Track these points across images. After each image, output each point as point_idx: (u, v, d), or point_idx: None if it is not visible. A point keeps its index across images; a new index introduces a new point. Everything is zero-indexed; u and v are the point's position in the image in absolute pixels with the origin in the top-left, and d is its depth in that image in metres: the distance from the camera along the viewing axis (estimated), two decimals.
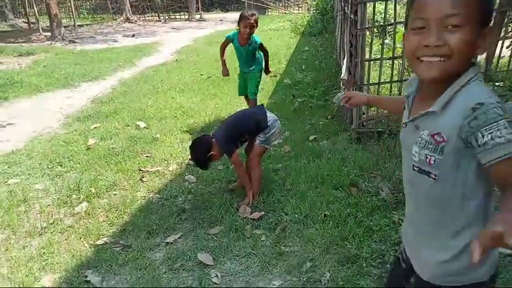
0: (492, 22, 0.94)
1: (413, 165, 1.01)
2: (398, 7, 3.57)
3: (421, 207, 1.05)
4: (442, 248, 1.02)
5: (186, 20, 17.33)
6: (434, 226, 1.03)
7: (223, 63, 4.23)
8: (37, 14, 13.74)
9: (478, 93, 0.89)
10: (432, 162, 0.95)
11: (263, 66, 4.13)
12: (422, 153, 0.96)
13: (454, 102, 0.91)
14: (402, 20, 3.48)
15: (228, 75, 4.33)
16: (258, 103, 4.18)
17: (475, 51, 0.90)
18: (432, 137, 0.94)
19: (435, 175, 0.96)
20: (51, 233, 2.61)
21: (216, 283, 2.12)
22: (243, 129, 2.78)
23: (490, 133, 0.84)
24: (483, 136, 0.84)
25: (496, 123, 0.83)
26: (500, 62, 3.52)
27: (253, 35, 3.87)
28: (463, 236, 0.98)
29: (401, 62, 3.56)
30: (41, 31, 12.64)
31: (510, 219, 0.74)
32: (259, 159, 2.88)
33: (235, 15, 17.95)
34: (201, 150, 2.68)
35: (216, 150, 2.68)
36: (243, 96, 4.43)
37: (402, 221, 2.34)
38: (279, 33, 11.17)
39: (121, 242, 2.48)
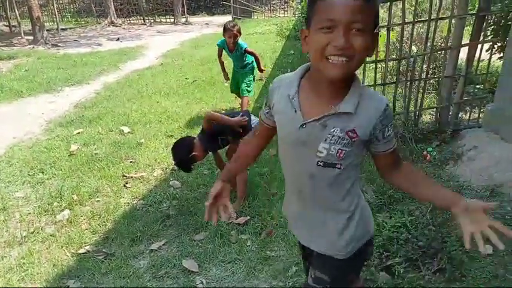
0: (377, 28, 1.02)
1: (318, 161, 1.10)
2: (381, 11, 3.62)
3: (319, 193, 1.17)
4: (340, 220, 1.20)
5: (171, 23, 17.23)
6: (331, 205, 1.19)
7: (223, 70, 4.63)
8: (19, 17, 13.46)
9: (378, 95, 1.10)
10: (342, 155, 1.08)
11: (255, 66, 4.44)
12: (334, 148, 1.07)
13: (362, 103, 1.05)
14: (385, 23, 3.53)
15: (229, 79, 4.64)
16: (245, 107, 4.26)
17: (369, 53, 1.01)
18: (346, 133, 1.06)
19: (341, 165, 1.10)
20: (32, 242, 2.55)
21: None
22: (225, 128, 2.74)
23: (391, 128, 1.10)
24: (388, 130, 1.09)
25: (392, 121, 1.11)
26: (480, 65, 3.59)
27: (239, 41, 4.22)
28: (354, 209, 1.20)
29: (384, 65, 3.60)
30: (22, 35, 12.40)
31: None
32: None
33: (221, 19, 17.98)
34: (183, 151, 2.65)
35: (198, 151, 2.65)
36: (236, 95, 4.76)
37: (386, 223, 2.36)
38: (264, 37, 11.19)
39: (104, 250, 2.44)
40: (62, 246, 2.50)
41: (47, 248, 2.49)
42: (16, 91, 6.23)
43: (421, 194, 1.17)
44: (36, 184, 3.28)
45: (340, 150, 1.07)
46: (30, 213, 2.87)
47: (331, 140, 1.06)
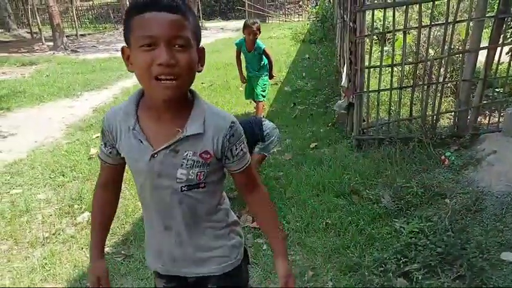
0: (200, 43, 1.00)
1: (181, 187, 1.04)
2: (397, 14, 3.60)
3: (192, 218, 1.10)
4: (210, 247, 1.14)
5: None
6: (206, 225, 1.13)
7: (240, 71, 4.53)
8: (40, 24, 13.87)
9: (222, 113, 1.06)
10: (202, 176, 1.04)
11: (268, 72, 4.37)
12: (193, 172, 1.03)
13: (208, 121, 1.01)
14: (401, 27, 3.51)
15: (245, 81, 4.53)
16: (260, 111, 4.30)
17: (197, 69, 0.98)
18: (200, 156, 1.02)
19: (204, 184, 1.06)
20: (53, 243, 2.62)
21: None
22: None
23: (240, 146, 1.06)
24: (236, 149, 1.05)
25: (241, 138, 1.06)
26: (499, 68, 3.53)
27: (258, 41, 4.18)
28: (225, 225, 1.17)
29: (400, 69, 3.58)
30: (43, 41, 12.77)
31: (287, 269, 1.16)
32: (258, 166, 2.89)
33: (236, 24, 18.10)
34: None
35: None
36: (251, 100, 4.67)
37: (404, 229, 2.34)
38: (279, 41, 11.23)
39: (123, 252, 2.49)
40: (82, 248, 2.56)
41: (68, 249, 2.55)
42: (37, 96, 6.41)
43: (261, 227, 1.25)
44: (57, 187, 3.37)
45: (199, 173, 1.03)
46: (51, 215, 2.95)
47: (186, 164, 1.01)
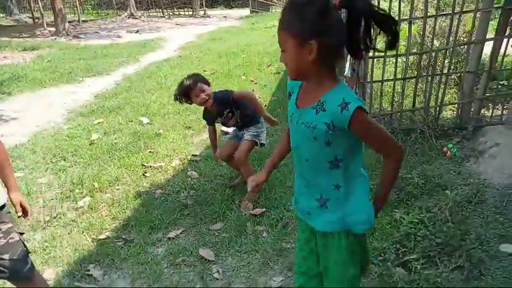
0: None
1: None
2: (402, 4, 3.55)
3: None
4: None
5: (190, 16, 17.30)
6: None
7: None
8: (42, 9, 13.77)
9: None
10: None
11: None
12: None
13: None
14: (406, 17, 3.46)
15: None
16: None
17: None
18: None
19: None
20: (54, 226, 2.63)
21: (217, 278, 2.13)
22: (239, 102, 2.71)
23: None
24: None
25: None
26: (505, 60, 3.49)
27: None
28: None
29: (404, 59, 3.54)
30: (45, 26, 12.68)
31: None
32: (248, 154, 2.81)
33: (239, 12, 17.87)
34: (189, 85, 2.66)
35: (206, 95, 2.63)
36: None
37: (403, 219, 2.34)
38: None
39: (123, 236, 2.50)
40: (82, 232, 2.57)
41: (68, 233, 2.57)
42: (39, 81, 6.39)
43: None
44: (58, 171, 3.37)
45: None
46: (52, 199, 2.96)
47: None
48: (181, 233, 2.52)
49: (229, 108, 2.73)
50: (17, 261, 1.61)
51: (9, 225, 1.63)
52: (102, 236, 2.51)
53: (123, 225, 2.62)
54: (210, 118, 2.82)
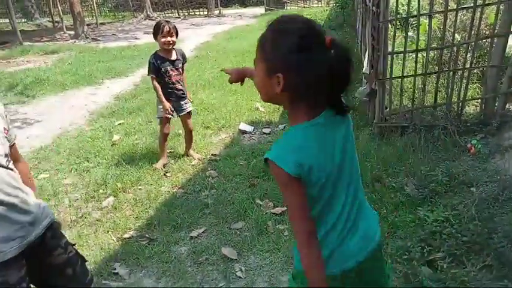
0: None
1: None
2: None
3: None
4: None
5: (205, 16, 17.40)
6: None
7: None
8: (61, 13, 14.07)
9: None
10: None
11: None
12: None
13: None
14: (425, 11, 3.40)
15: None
16: None
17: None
18: None
19: None
20: (80, 226, 2.70)
21: (240, 277, 2.15)
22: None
23: None
24: None
25: None
26: None
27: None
28: None
29: (425, 55, 3.48)
30: (65, 29, 12.96)
31: None
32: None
33: (253, 10, 17.83)
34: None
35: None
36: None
37: (428, 217, 2.31)
38: None
39: (147, 235, 2.54)
40: (107, 231, 2.63)
41: (94, 232, 2.63)
42: (61, 84, 6.54)
43: None
44: (82, 172, 3.46)
45: None
46: (78, 199, 3.04)
47: None
48: (203, 232, 2.55)
49: (182, 65, 3.41)
50: (79, 274, 1.62)
51: (65, 239, 1.63)
52: (126, 235, 2.56)
53: (146, 225, 2.67)
54: (158, 65, 3.33)
